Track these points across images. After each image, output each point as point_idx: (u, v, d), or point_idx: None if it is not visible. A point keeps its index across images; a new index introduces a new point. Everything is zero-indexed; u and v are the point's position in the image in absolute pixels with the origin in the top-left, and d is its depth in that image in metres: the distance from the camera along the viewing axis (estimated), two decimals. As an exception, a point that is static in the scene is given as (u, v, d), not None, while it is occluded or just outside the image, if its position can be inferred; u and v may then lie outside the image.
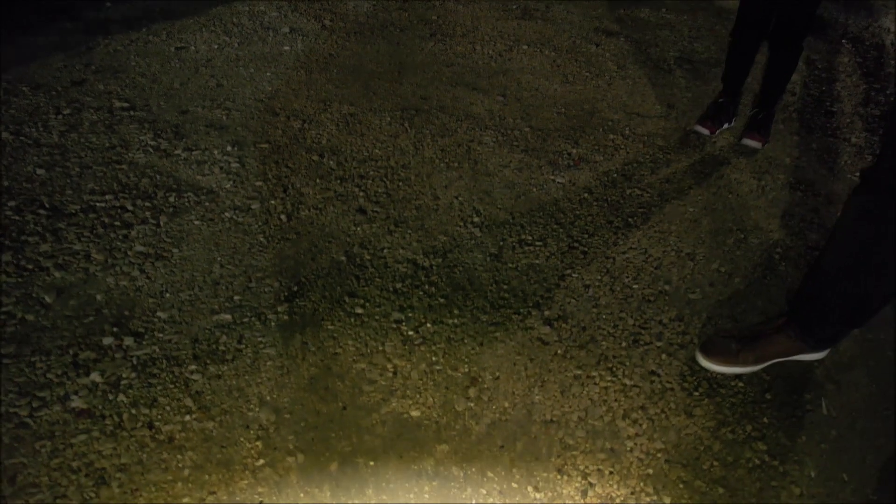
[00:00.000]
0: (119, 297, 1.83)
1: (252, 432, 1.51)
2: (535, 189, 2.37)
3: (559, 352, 1.75)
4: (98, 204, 2.17)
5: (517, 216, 2.23)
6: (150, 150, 2.46)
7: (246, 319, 1.80)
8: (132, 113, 2.70)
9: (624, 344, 1.78)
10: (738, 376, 1.70)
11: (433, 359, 1.71)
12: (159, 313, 1.80)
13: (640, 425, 1.57)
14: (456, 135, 2.67)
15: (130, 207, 2.17)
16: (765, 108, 2.66)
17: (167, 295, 1.86)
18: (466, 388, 1.64)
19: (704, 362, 1.70)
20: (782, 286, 2.02)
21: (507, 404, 1.61)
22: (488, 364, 1.71)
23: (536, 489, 1.43)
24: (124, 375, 1.62)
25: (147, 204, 2.19)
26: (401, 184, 2.37)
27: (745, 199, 2.41)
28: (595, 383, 1.67)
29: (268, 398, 1.59)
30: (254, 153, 2.49)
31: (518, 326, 1.82)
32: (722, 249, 2.16)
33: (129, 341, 1.71)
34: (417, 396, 1.61)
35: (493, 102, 2.94)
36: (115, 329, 1.74)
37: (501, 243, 2.11)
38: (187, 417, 1.54)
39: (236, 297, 1.87)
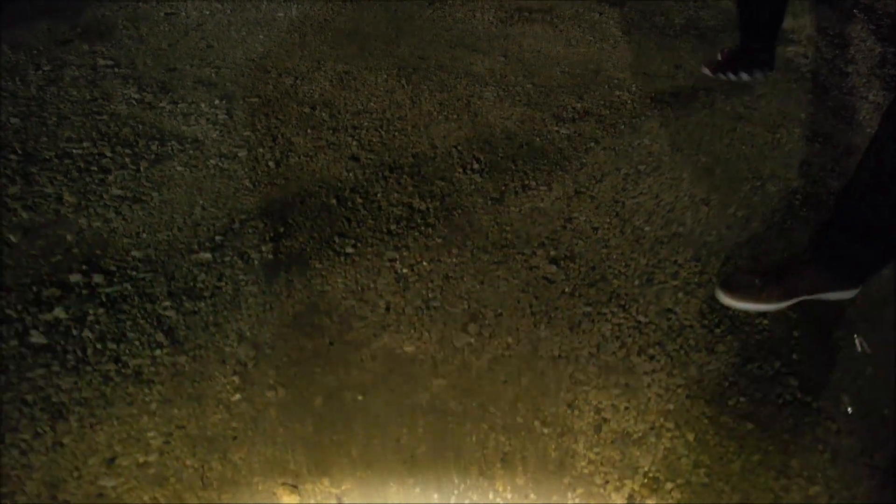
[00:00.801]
0: (91, 238, 1.70)
1: (229, 367, 1.37)
2: (538, 139, 2.25)
3: (566, 290, 1.61)
4: (74, 151, 2.04)
5: (520, 164, 2.10)
6: (134, 102, 2.34)
7: (227, 258, 1.67)
8: (116, 70, 2.58)
9: (637, 282, 1.64)
10: (762, 314, 1.55)
11: (429, 295, 1.57)
12: (134, 252, 1.67)
13: (658, 361, 1.43)
14: (455, 90, 2.55)
15: (109, 154, 2.04)
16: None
17: (143, 235, 1.73)
18: (465, 324, 1.50)
19: (725, 299, 1.55)
20: (805, 229, 1.88)
21: (510, 340, 1.46)
22: (490, 301, 1.57)
23: (544, 423, 1.28)
24: (91, 312, 1.48)
25: (127, 151, 2.06)
26: (396, 133, 2.24)
27: (760, 150, 2.27)
28: (607, 320, 1.53)
29: (248, 334, 1.45)
30: (242, 106, 2.37)
31: (522, 266, 1.68)
32: (738, 196, 2.02)
33: (98, 279, 1.58)
34: (412, 332, 1.47)
35: (493, 62, 2.82)
36: (84, 267, 1.60)
37: (503, 188, 1.98)
38: (158, 352, 1.39)
39: (218, 238, 1.73)
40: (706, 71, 2.70)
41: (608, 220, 1.86)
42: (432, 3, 3.56)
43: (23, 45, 2.72)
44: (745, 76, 2.63)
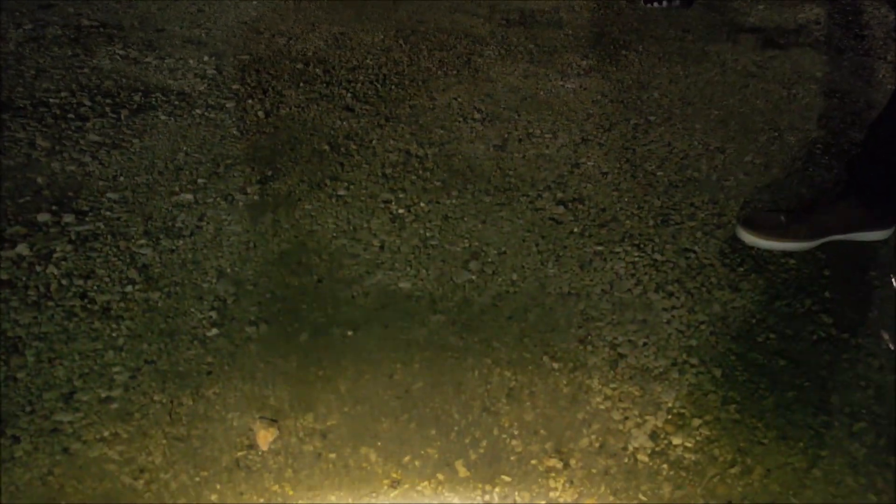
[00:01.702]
0: (63, 181, 1.58)
1: (206, 303, 1.25)
2: (542, 93, 2.13)
3: (575, 230, 1.49)
4: (51, 100, 1.93)
5: (523, 114, 1.99)
6: (118, 58, 2.23)
7: (210, 200, 1.55)
8: (101, 30, 2.47)
9: (651, 223, 1.52)
10: (788, 254, 1.43)
11: (427, 234, 1.45)
12: (109, 194, 1.55)
13: (678, 298, 1.30)
14: (455, 49, 2.44)
15: (88, 103, 1.93)
16: None
17: (121, 178, 1.61)
18: (466, 261, 1.38)
19: (748, 237, 1.43)
20: (828, 176, 1.76)
21: (515, 277, 1.34)
22: (492, 240, 1.44)
23: (554, 359, 1.15)
24: (58, 249, 1.36)
25: (108, 101, 1.95)
26: (393, 87, 2.13)
27: (776, 104, 2.16)
28: (620, 258, 1.40)
29: (228, 271, 1.33)
30: (232, 63, 2.26)
31: (527, 207, 1.56)
32: (755, 145, 1.90)
33: (69, 218, 1.45)
34: (408, 269, 1.35)
35: (494, 25, 2.71)
36: (53, 207, 1.48)
37: (506, 136, 1.86)
38: (129, 288, 1.27)
39: (200, 181, 1.61)
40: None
41: (618, 166, 1.74)
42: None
43: (4, 8, 2.62)
44: (665, 3, 2.92)
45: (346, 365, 1.13)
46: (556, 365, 1.14)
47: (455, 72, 2.25)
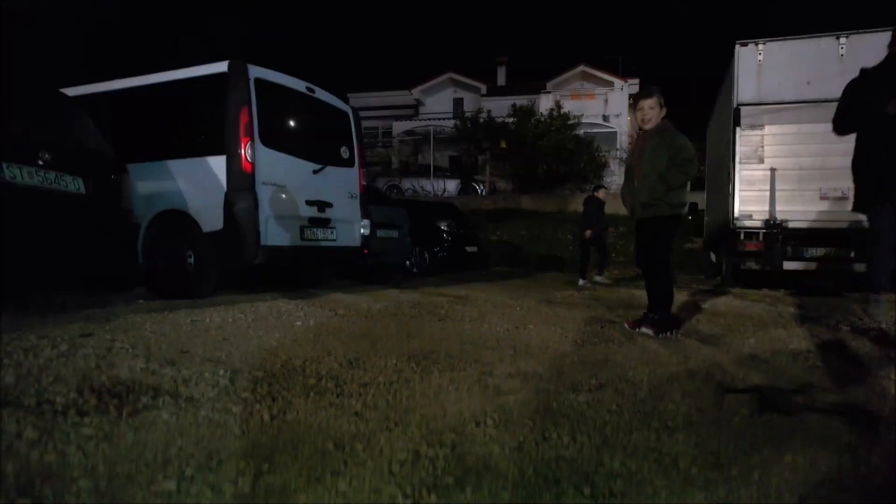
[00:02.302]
0: (36, 468, 1.44)
1: None
2: (555, 404, 2.09)
3: (613, 529, 1.25)
4: (58, 399, 1.90)
5: (538, 421, 1.91)
6: (137, 370, 2.29)
7: (195, 489, 1.37)
8: (130, 350, 2.61)
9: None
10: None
11: (438, 529, 1.22)
12: (82, 482, 1.38)
13: None
14: (465, 371, 2.51)
15: (94, 401, 1.90)
16: (650, 311, 3.61)
17: (100, 468, 1.46)
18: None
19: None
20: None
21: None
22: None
23: None
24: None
25: (114, 401, 1.92)
26: (404, 398, 2.11)
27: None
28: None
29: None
30: (246, 377, 2.30)
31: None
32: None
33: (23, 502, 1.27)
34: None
35: (503, 354, 2.85)
36: (11, 496, 1.31)
37: (521, 439, 1.75)
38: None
39: (188, 472, 1.46)
40: (626, 326, 3.66)
41: (646, 465, 1.58)
42: (442, 319, 3.81)
43: (50, 335, 2.83)
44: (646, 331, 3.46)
45: None
46: None
47: (466, 387, 2.26)
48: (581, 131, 15.94)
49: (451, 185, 16.24)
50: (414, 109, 23.23)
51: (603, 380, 2.41)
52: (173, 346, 2.73)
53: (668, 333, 3.43)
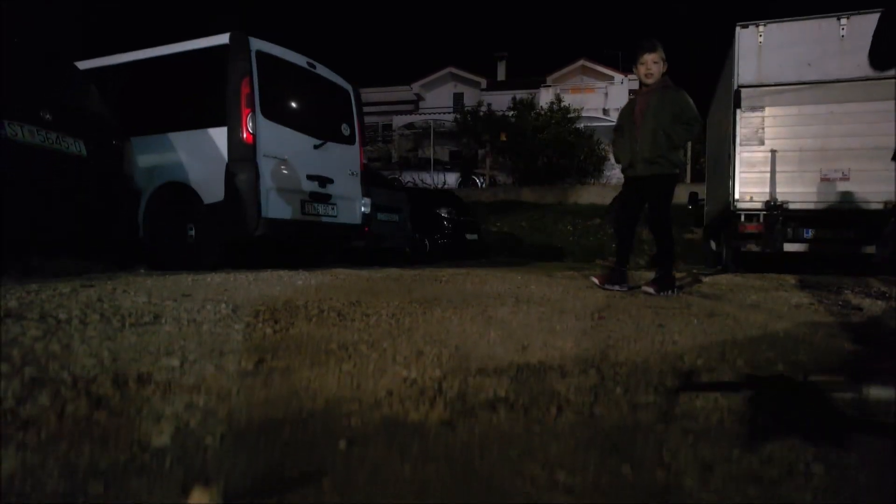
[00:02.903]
0: (42, 354, 1.43)
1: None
2: (558, 327, 2.08)
3: None
4: (60, 315, 1.89)
5: (541, 336, 1.90)
6: (140, 303, 2.29)
7: (198, 367, 1.36)
8: (132, 293, 2.61)
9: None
10: None
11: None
12: (86, 360, 1.37)
13: None
14: (468, 309, 2.50)
15: (97, 318, 1.89)
16: (659, 269, 3.60)
17: (104, 354, 1.45)
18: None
19: None
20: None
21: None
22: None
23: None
24: None
25: (117, 317, 1.91)
26: (407, 323, 2.11)
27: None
28: None
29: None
30: (248, 309, 2.30)
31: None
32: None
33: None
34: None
35: (505, 301, 2.84)
36: None
37: (525, 344, 1.74)
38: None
39: (191, 357, 1.44)
40: (594, 280, 3.72)
41: (651, 358, 1.57)
42: (444, 283, 3.80)
43: (51, 284, 2.82)
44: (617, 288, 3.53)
45: None
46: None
47: (470, 318, 2.25)
48: (581, 125, 15.98)
49: (452, 179, 16.25)
50: (414, 105, 23.32)
51: (605, 314, 2.41)
52: (175, 291, 2.73)
53: (670, 292, 3.42)
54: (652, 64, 3.40)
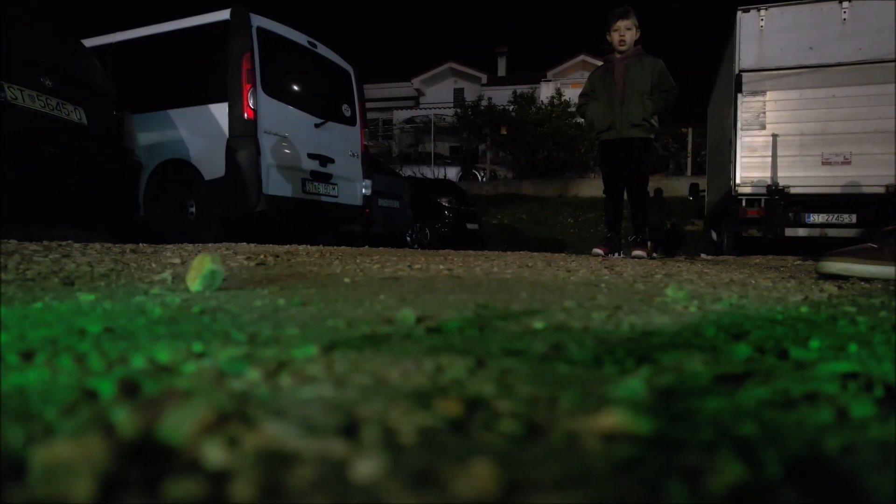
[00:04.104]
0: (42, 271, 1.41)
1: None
2: (561, 274, 2.07)
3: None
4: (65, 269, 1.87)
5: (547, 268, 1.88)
6: (107, 258, 2.26)
7: (195, 287, 1.34)
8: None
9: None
10: None
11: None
12: (79, 282, 1.35)
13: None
14: (474, 268, 2.48)
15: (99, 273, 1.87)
16: (637, 233, 3.72)
17: (98, 283, 1.43)
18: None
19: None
20: None
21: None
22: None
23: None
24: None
25: (117, 266, 1.89)
26: (413, 263, 2.08)
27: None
28: None
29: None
30: (251, 260, 2.27)
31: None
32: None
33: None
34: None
35: (507, 261, 2.82)
36: None
37: (535, 275, 1.72)
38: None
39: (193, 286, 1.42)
40: (597, 252, 3.77)
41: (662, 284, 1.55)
42: (447, 261, 3.78)
43: (49, 244, 2.79)
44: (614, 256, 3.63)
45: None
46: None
47: (478, 267, 2.23)
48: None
49: (452, 173, 16.28)
50: (414, 100, 23.34)
51: (606, 273, 2.39)
52: (174, 258, 2.70)
53: (658, 250, 3.47)
54: (625, 30, 3.40)
